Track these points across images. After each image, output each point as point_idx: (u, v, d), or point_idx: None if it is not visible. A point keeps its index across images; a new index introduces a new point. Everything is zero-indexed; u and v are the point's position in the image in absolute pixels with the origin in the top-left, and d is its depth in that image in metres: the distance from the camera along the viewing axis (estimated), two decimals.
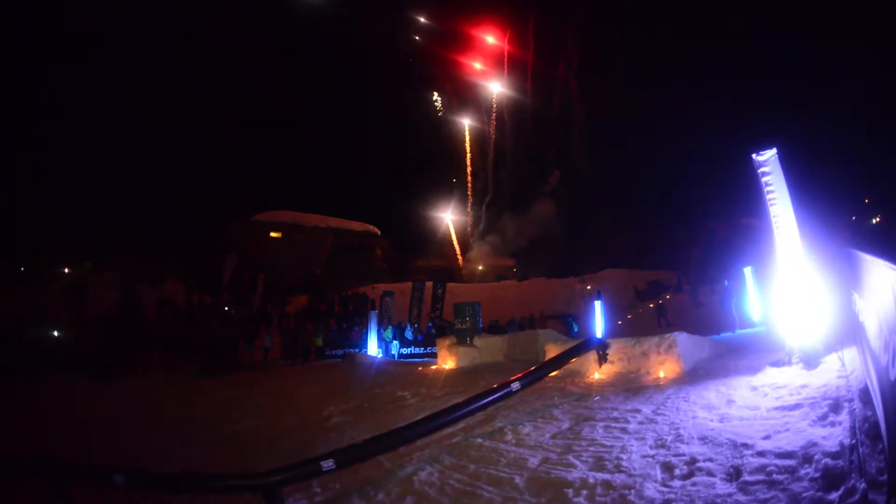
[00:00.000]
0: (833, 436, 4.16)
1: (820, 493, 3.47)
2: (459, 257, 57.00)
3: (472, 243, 56.96)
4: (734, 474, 4.16)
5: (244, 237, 49.17)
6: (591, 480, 4.87)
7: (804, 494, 3.53)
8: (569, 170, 53.76)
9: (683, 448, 5.04)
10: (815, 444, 4.10)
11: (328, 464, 6.14)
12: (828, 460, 3.77)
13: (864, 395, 4.85)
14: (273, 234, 52.49)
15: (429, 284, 25.27)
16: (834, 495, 3.39)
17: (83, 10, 52.23)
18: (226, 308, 27.16)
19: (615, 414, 6.80)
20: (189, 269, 41.91)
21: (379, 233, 57.22)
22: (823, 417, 4.62)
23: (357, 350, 20.24)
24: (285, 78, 57.18)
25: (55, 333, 30.38)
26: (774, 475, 3.89)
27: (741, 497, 3.79)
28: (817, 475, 3.68)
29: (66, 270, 47.57)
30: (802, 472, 3.81)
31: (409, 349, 18.96)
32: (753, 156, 7.58)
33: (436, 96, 56.68)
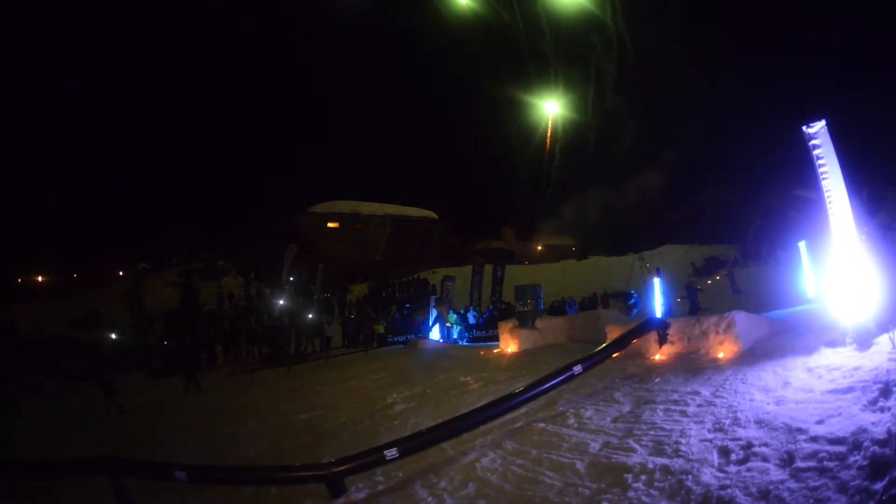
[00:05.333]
0: (882, 422, 4.21)
1: (866, 483, 3.55)
2: (518, 238, 56.64)
3: (531, 222, 56.26)
4: (787, 460, 4.27)
5: (302, 229, 50.36)
6: (650, 465, 5.06)
7: (851, 483, 3.62)
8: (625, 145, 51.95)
9: (740, 432, 5.16)
10: (864, 431, 4.16)
11: (392, 453, 6.41)
12: (875, 448, 3.83)
13: None
14: (331, 225, 53.55)
15: (488, 267, 25.26)
16: (879, 485, 3.46)
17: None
18: (285, 300, 27.94)
19: (675, 396, 6.92)
20: (248, 263, 43.37)
21: (437, 217, 57.50)
22: (874, 402, 4.65)
23: (419, 336, 20.65)
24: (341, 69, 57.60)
25: (112, 336, 31.42)
26: (825, 462, 3.98)
27: (793, 484, 3.91)
28: (865, 463, 3.75)
29: (121, 273, 49.66)
30: (851, 459, 3.89)
31: (471, 333, 19.19)
32: (804, 128, 7.46)
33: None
